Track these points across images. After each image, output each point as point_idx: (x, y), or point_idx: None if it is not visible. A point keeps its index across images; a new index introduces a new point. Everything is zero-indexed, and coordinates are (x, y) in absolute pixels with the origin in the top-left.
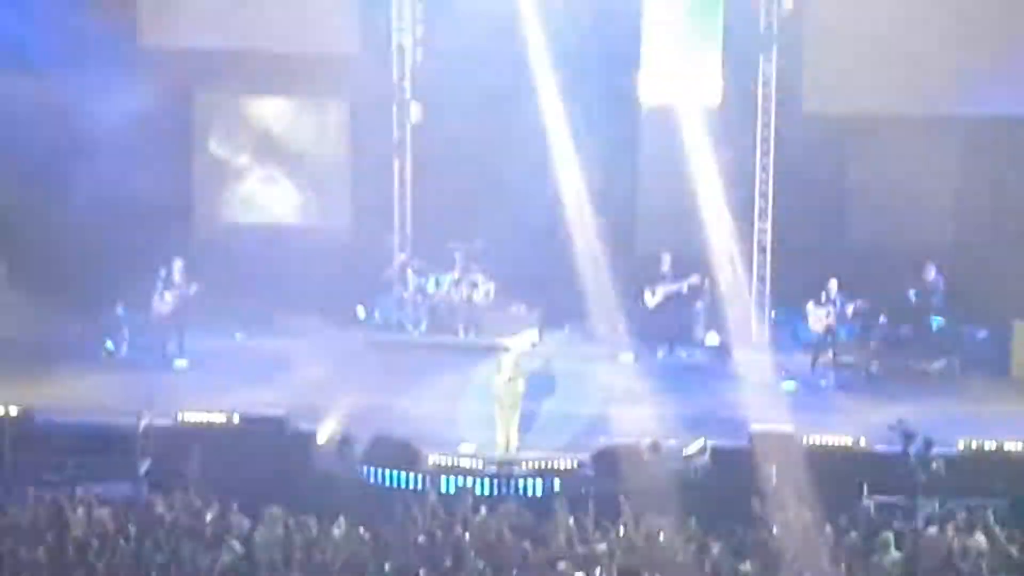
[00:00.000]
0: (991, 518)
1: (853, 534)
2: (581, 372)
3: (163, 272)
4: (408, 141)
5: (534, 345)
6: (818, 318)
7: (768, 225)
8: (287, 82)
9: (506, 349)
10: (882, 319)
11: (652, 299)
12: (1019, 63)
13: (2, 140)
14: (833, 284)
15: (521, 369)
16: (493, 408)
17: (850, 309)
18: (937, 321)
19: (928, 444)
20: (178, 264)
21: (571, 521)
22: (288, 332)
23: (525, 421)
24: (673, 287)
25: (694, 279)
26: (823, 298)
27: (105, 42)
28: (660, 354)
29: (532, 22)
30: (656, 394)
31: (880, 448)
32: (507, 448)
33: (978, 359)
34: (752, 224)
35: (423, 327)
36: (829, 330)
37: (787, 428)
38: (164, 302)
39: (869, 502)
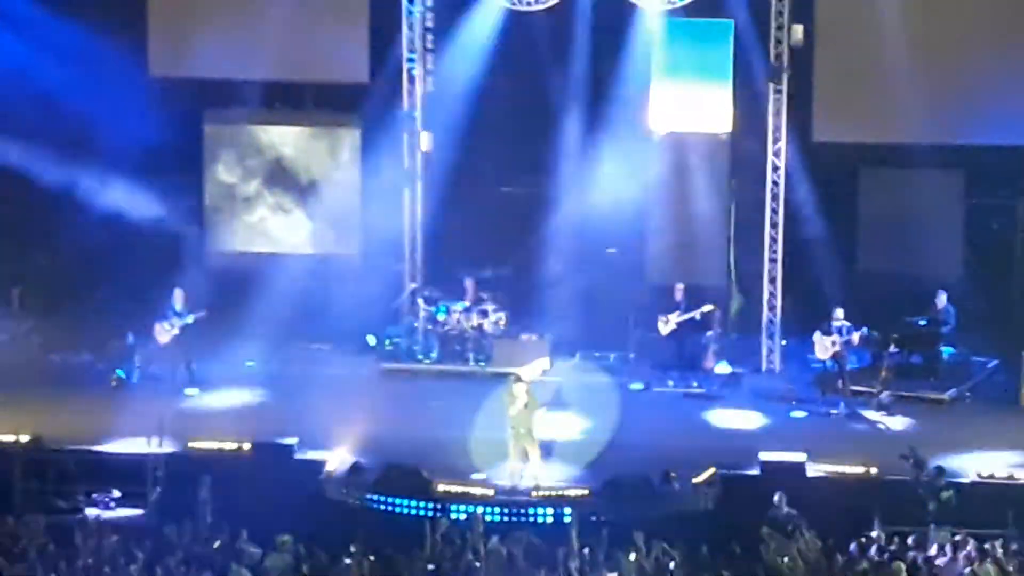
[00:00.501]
0: (1000, 549)
1: (864, 563)
2: (591, 401)
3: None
4: (419, 170)
5: (545, 374)
6: (824, 347)
7: (779, 254)
8: (297, 111)
9: (517, 378)
10: (893, 348)
11: (665, 327)
12: None
13: (15, 168)
14: (839, 313)
15: (535, 398)
16: (506, 436)
17: (856, 337)
18: (948, 351)
19: (939, 473)
20: (178, 293)
21: (583, 549)
22: (299, 360)
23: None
24: (686, 316)
25: (707, 308)
26: (830, 327)
27: (117, 71)
28: (671, 383)
29: (543, 52)
30: (667, 422)
31: (891, 477)
32: (523, 477)
33: (989, 389)
34: (762, 253)
35: (434, 355)
36: (836, 358)
37: (798, 457)
38: (164, 331)
39: (880, 531)
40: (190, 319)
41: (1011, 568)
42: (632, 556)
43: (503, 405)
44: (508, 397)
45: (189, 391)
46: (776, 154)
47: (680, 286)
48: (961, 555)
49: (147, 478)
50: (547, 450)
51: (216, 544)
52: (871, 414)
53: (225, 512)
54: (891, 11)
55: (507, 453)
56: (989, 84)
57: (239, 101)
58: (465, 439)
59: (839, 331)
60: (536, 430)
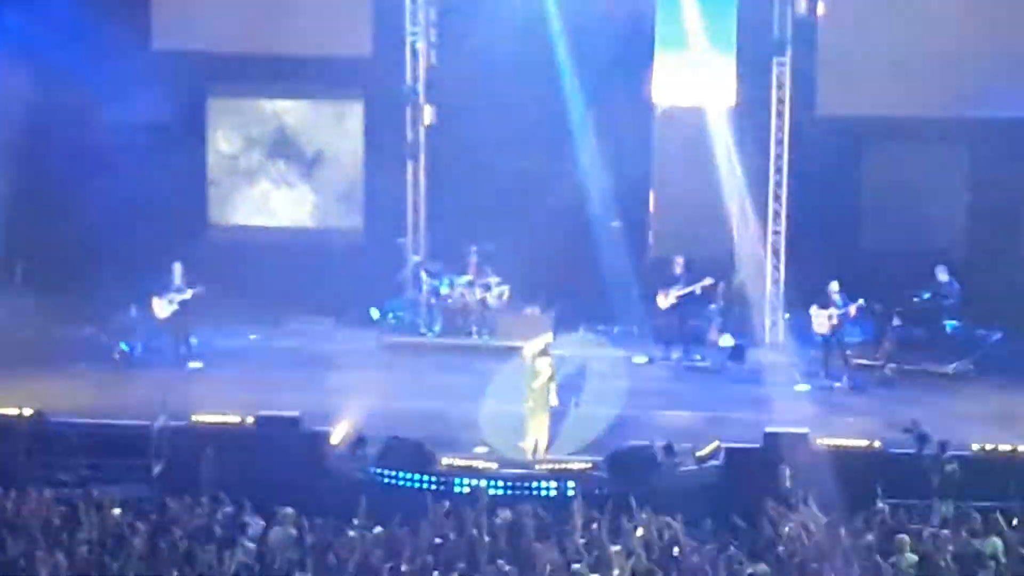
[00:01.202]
0: (1005, 521)
1: (868, 536)
2: (595, 374)
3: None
4: (422, 144)
5: (548, 347)
6: (821, 320)
7: (782, 228)
8: (300, 85)
9: (544, 351)
10: (896, 321)
11: (665, 301)
12: None
13: (17, 142)
14: (834, 285)
15: (554, 373)
16: (520, 409)
17: (853, 309)
18: (951, 323)
19: (943, 446)
20: (178, 267)
21: (588, 523)
22: (302, 334)
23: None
24: (686, 289)
25: (707, 281)
26: (826, 300)
27: (119, 46)
28: (674, 356)
29: (546, 25)
30: (670, 396)
31: (894, 450)
32: (535, 450)
33: (993, 361)
34: (766, 227)
35: (437, 329)
36: (833, 331)
37: (801, 430)
38: (163, 306)
39: (884, 504)
40: (188, 294)
41: (1015, 540)
42: (639, 531)
43: (525, 378)
44: (531, 371)
45: (192, 364)
46: (779, 128)
47: (680, 260)
48: (965, 528)
49: (151, 451)
50: (554, 423)
51: (219, 517)
52: (875, 387)
53: (228, 485)
54: None
55: (522, 426)
56: (994, 57)
57: (242, 74)
58: (469, 412)
59: (836, 304)
60: (551, 403)
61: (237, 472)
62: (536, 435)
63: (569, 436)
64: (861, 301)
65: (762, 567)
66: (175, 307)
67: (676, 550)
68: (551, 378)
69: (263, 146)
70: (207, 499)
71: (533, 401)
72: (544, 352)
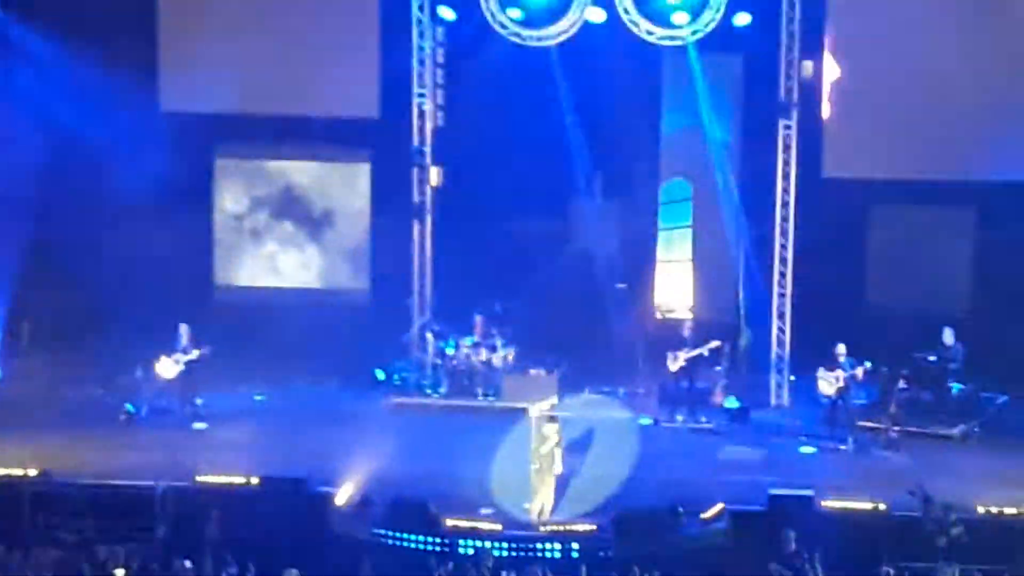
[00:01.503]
0: None
1: None
2: (600, 436)
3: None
4: (429, 205)
5: (552, 409)
6: (828, 382)
7: (787, 290)
8: (307, 147)
9: (551, 417)
10: (902, 384)
11: (674, 364)
12: None
13: (25, 201)
14: (841, 348)
15: (561, 438)
16: (525, 472)
17: (860, 371)
18: (957, 387)
19: (947, 510)
20: (184, 328)
21: None
22: (307, 395)
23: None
24: (695, 352)
25: (715, 344)
26: (832, 362)
27: (128, 107)
28: (679, 418)
29: (553, 89)
30: (675, 458)
31: (900, 513)
32: (541, 513)
33: (998, 425)
34: (772, 289)
35: (442, 390)
36: (840, 394)
37: (807, 492)
38: (170, 367)
39: (889, 568)
40: (195, 354)
41: None
42: None
43: (531, 442)
44: (538, 435)
45: (197, 425)
46: (785, 190)
47: (688, 323)
48: None
49: (155, 512)
50: (560, 486)
51: None
52: (879, 450)
53: (233, 546)
54: (901, 47)
55: (529, 489)
56: (1000, 119)
57: (250, 136)
58: (475, 473)
59: (842, 366)
60: (557, 467)
61: (241, 533)
62: (542, 499)
63: (575, 499)
64: (868, 364)
65: None
66: (181, 368)
67: None
68: (557, 443)
69: (270, 206)
70: (211, 560)
71: (539, 464)
72: (551, 417)
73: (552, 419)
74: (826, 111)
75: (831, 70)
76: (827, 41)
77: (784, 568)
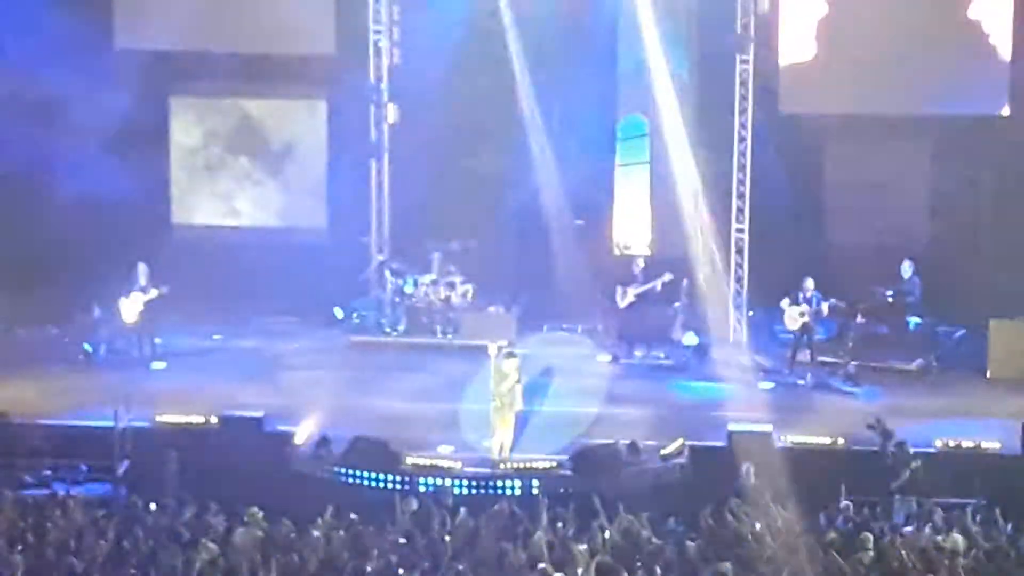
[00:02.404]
0: (968, 517)
1: (832, 534)
2: (559, 372)
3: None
4: (385, 142)
5: (511, 345)
6: (793, 317)
7: (745, 225)
8: (263, 84)
9: (510, 354)
10: (859, 318)
11: (623, 300)
12: (991, 64)
13: None
14: (809, 283)
15: (521, 374)
16: (485, 409)
17: (825, 307)
18: (914, 321)
19: (905, 444)
20: (142, 268)
21: (554, 523)
22: (266, 333)
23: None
24: (644, 287)
25: (667, 277)
26: (799, 297)
27: (80, 44)
28: (638, 354)
29: (510, 25)
30: (634, 394)
31: (858, 448)
32: (501, 450)
33: (955, 358)
34: (729, 224)
35: (401, 328)
36: (805, 328)
37: (765, 427)
38: (128, 306)
39: (848, 502)
40: (153, 294)
41: (978, 537)
42: (606, 533)
43: (491, 379)
44: (497, 373)
45: (156, 365)
46: (743, 125)
47: (639, 259)
48: (928, 525)
49: (114, 452)
50: (520, 422)
51: (184, 518)
52: (838, 384)
53: (193, 486)
54: None
55: (490, 425)
56: (954, 52)
57: (205, 73)
58: (434, 411)
59: (808, 301)
60: (517, 404)
61: (201, 472)
62: (502, 436)
63: (535, 436)
64: (833, 300)
65: (726, 565)
66: (140, 308)
67: (640, 548)
68: (517, 380)
69: (225, 145)
70: (172, 500)
71: (499, 402)
72: (510, 354)
73: (511, 356)
74: (809, 49)
75: (819, 8)
76: None
77: (743, 503)
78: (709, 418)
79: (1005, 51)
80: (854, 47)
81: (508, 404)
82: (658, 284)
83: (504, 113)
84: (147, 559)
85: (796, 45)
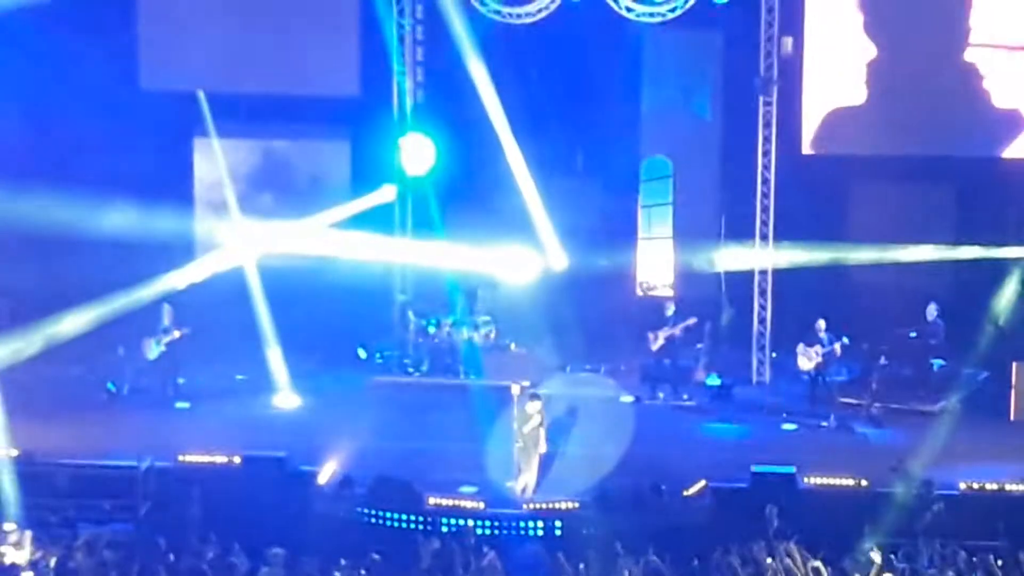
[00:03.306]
0: (992, 560)
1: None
2: (582, 414)
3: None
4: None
5: (535, 386)
6: (807, 358)
7: (768, 266)
8: (288, 124)
9: (534, 395)
10: (883, 360)
11: (655, 343)
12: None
13: (4, 180)
14: (821, 323)
15: (545, 415)
16: (510, 450)
17: (837, 347)
18: (938, 362)
19: (929, 486)
20: (167, 309)
21: (576, 564)
22: (290, 373)
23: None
24: (673, 330)
25: (691, 321)
26: (812, 338)
27: (107, 85)
28: (661, 395)
29: (530, 65)
30: (657, 435)
31: (881, 489)
32: (524, 491)
33: (979, 401)
34: (752, 265)
35: (424, 368)
36: (818, 369)
37: (788, 469)
38: (152, 347)
39: (871, 544)
40: (176, 334)
41: None
42: (623, 570)
43: (514, 420)
44: (520, 414)
45: (180, 404)
46: (766, 167)
47: (669, 301)
48: (951, 568)
49: (138, 492)
50: (544, 463)
51: (208, 558)
52: (861, 426)
53: (216, 525)
54: (879, 24)
55: (514, 466)
56: (978, 95)
57: (230, 114)
58: (457, 452)
59: (821, 342)
60: (541, 446)
61: (224, 512)
62: (526, 477)
63: (558, 477)
64: (845, 339)
65: None
66: (163, 348)
67: None
68: (541, 423)
69: (251, 185)
70: (195, 539)
71: (523, 443)
72: (534, 396)
73: (535, 397)
74: (859, 94)
75: (866, 50)
76: (862, 21)
77: (766, 545)
78: (732, 460)
79: None
80: (877, 88)
81: (532, 445)
82: (681, 328)
83: (528, 153)
84: None
85: (821, 88)
